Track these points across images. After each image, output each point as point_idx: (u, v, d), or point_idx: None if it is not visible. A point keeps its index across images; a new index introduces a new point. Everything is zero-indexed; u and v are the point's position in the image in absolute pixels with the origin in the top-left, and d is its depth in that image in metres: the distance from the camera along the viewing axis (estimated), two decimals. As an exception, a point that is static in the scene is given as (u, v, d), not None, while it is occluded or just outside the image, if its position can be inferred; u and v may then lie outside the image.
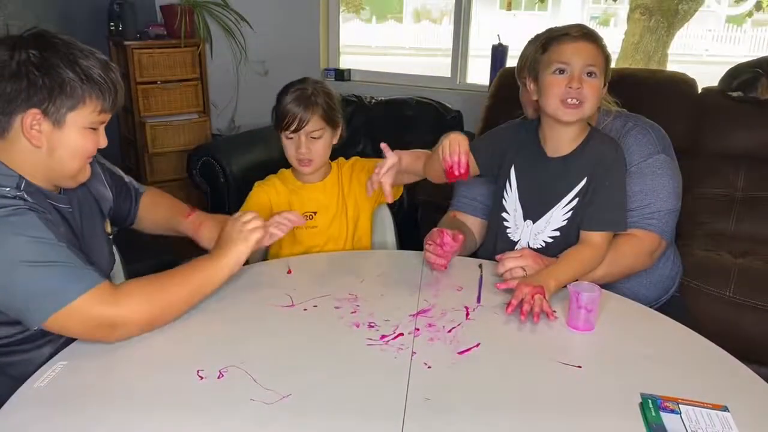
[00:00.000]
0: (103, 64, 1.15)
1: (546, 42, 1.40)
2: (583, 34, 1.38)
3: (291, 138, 1.60)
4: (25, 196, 1.10)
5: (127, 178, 1.49)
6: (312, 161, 1.62)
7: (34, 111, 1.08)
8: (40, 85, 1.07)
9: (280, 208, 1.63)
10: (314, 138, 1.59)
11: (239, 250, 1.25)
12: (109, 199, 1.40)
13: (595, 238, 1.41)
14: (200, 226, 1.48)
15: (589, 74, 1.35)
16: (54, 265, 1.06)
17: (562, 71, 1.36)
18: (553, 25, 1.48)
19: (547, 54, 1.39)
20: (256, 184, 1.73)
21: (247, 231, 1.26)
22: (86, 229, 1.28)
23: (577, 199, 1.43)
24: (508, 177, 1.52)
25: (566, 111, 1.37)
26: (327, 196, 1.68)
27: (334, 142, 1.65)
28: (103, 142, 1.21)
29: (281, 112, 1.58)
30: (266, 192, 1.69)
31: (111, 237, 1.41)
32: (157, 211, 1.53)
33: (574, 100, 1.35)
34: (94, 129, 1.17)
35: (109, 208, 1.40)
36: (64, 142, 1.13)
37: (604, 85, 1.40)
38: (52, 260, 1.06)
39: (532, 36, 1.61)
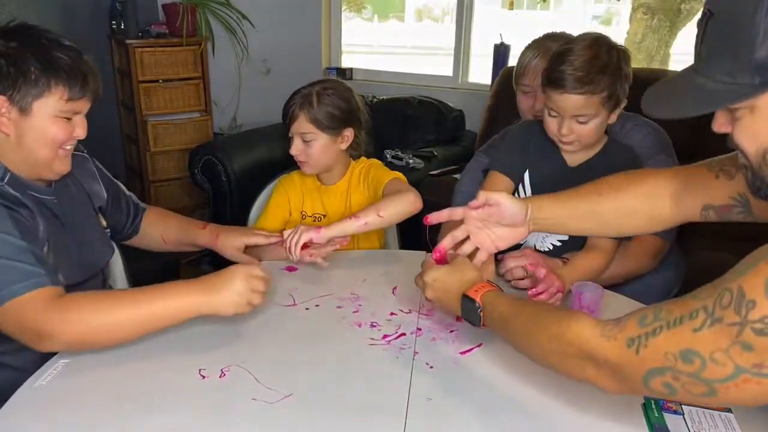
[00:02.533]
0: (73, 54, 1.17)
1: (543, 80, 1.38)
2: (574, 82, 1.30)
3: (291, 137, 1.61)
4: (7, 187, 1.12)
5: (127, 192, 1.51)
6: (306, 163, 1.61)
7: (2, 98, 1.11)
8: (5, 73, 1.10)
9: (296, 206, 1.69)
10: (306, 141, 1.58)
11: (226, 309, 1.10)
12: (103, 198, 1.40)
13: (607, 245, 1.40)
14: (218, 236, 1.48)
15: (580, 121, 1.35)
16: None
17: (554, 113, 1.37)
18: (560, 34, 1.45)
19: (545, 90, 1.38)
20: (279, 179, 1.75)
21: (250, 297, 1.11)
22: (77, 220, 1.29)
23: None
24: (522, 180, 1.51)
25: (563, 145, 1.42)
26: (337, 200, 1.68)
27: (342, 147, 1.62)
28: (80, 133, 1.22)
29: (284, 109, 1.61)
30: (286, 191, 1.71)
31: (108, 230, 1.41)
32: (168, 225, 1.54)
33: (568, 140, 1.38)
34: (67, 119, 1.18)
35: (101, 206, 1.40)
36: (31, 130, 1.14)
37: (617, 105, 1.37)
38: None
39: (531, 41, 1.59)
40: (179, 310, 1.08)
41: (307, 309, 1.29)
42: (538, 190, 1.49)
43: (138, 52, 3.38)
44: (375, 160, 1.72)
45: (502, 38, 3.19)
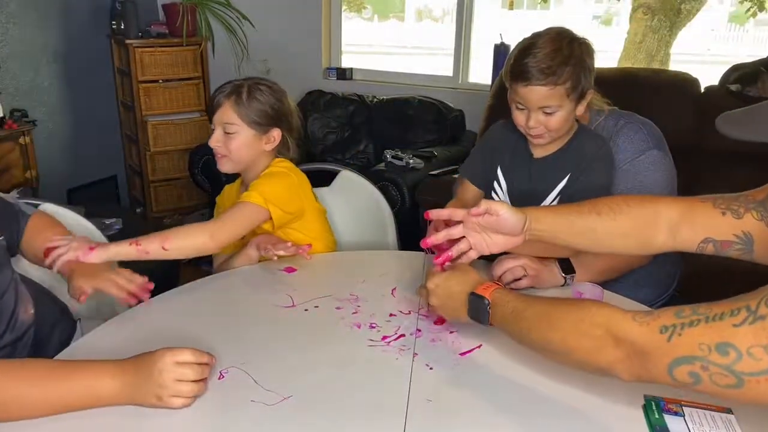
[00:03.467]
0: None
1: (508, 74, 1.40)
2: (538, 74, 1.33)
3: (213, 129, 1.54)
4: None
5: (12, 200, 1.36)
6: (225, 157, 1.53)
7: None
8: None
9: None
10: (228, 133, 1.50)
11: (146, 402, 0.95)
12: None
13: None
14: (74, 272, 1.24)
15: (546, 112, 1.37)
16: None
17: (521, 106, 1.40)
18: (543, 28, 1.46)
19: (511, 84, 1.40)
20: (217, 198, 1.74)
21: (176, 389, 0.94)
22: None
23: (559, 197, 1.46)
24: (496, 177, 1.56)
25: (532, 138, 1.45)
26: None
27: (266, 148, 1.55)
28: None
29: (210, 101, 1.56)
30: (223, 203, 1.69)
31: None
32: (36, 240, 1.33)
33: (537, 133, 1.41)
34: None
35: None
36: None
37: (582, 98, 1.39)
38: None
39: (521, 39, 1.58)
40: (91, 397, 0.94)
41: (306, 310, 1.28)
42: (509, 184, 1.54)
43: (138, 52, 3.39)
44: (278, 168, 1.56)
45: (502, 38, 3.18)
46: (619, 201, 1.15)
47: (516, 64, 1.37)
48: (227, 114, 1.50)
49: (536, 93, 1.35)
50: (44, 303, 1.33)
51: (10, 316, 1.21)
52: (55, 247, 1.25)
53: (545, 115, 1.38)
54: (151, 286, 1.23)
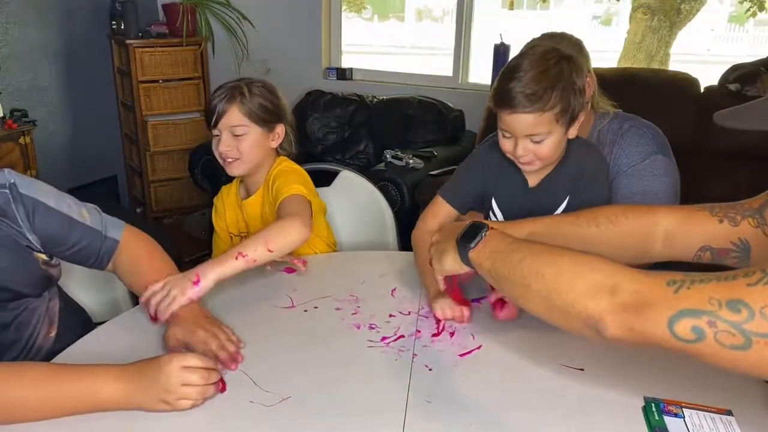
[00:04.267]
0: None
1: (492, 100, 1.31)
2: (523, 100, 1.23)
3: (216, 135, 1.51)
4: None
5: (87, 223, 1.24)
6: (237, 160, 1.50)
7: None
8: None
9: (236, 226, 1.66)
10: (237, 135, 1.48)
11: (150, 406, 0.95)
12: (28, 238, 1.14)
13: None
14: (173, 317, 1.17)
15: (534, 141, 1.28)
16: None
17: (507, 134, 1.31)
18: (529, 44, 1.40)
19: (496, 110, 1.30)
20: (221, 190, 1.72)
21: (182, 393, 0.95)
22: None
23: None
24: (491, 207, 1.48)
25: (522, 166, 1.36)
26: (256, 213, 1.61)
27: (272, 145, 1.56)
28: None
29: (207, 107, 1.51)
30: (216, 209, 1.69)
31: (46, 263, 1.20)
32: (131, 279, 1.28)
33: (525, 159, 1.32)
34: None
35: (31, 242, 1.16)
36: None
37: (574, 120, 1.30)
38: None
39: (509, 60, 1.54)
40: (92, 401, 0.94)
41: (305, 311, 1.28)
42: (506, 215, 1.45)
43: (138, 52, 3.39)
44: (285, 165, 1.57)
45: (502, 38, 3.18)
46: (618, 212, 1.13)
47: (500, 88, 1.27)
48: (235, 117, 1.48)
49: (522, 121, 1.25)
50: (68, 320, 1.30)
51: (26, 341, 1.20)
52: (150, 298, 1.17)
53: (534, 144, 1.29)
54: (241, 359, 1.10)
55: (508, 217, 1.46)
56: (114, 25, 3.55)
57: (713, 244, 1.05)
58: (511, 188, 1.43)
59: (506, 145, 1.32)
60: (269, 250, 1.26)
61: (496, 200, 1.47)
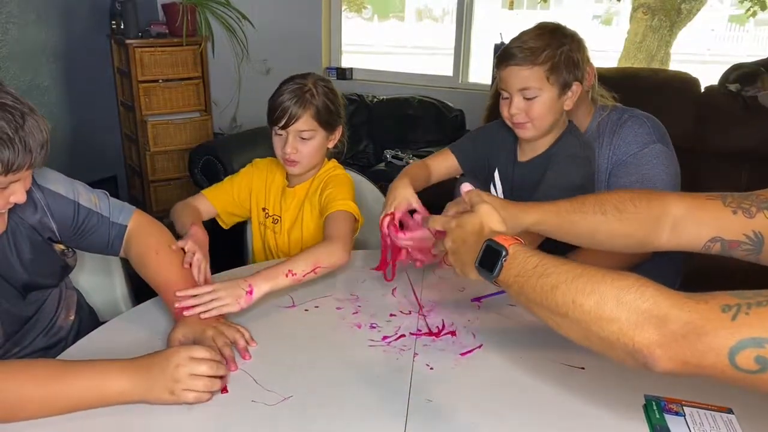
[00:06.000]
0: (14, 124, 1.02)
1: (496, 60, 1.42)
2: (518, 53, 1.34)
3: (280, 134, 1.51)
4: None
5: (96, 209, 1.26)
6: (298, 162, 1.52)
7: None
8: None
9: (257, 199, 1.65)
10: (304, 138, 1.49)
11: (158, 398, 0.95)
12: (52, 229, 1.20)
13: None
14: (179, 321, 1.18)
15: (527, 97, 1.36)
16: None
17: (506, 95, 1.39)
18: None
19: (498, 73, 1.41)
20: (254, 161, 1.69)
21: (190, 384, 0.95)
22: (24, 255, 1.15)
23: None
24: (493, 180, 1.55)
25: (518, 130, 1.42)
26: (294, 205, 1.61)
27: (330, 145, 1.57)
28: (18, 198, 1.05)
29: (274, 104, 1.49)
30: (251, 177, 1.65)
31: (64, 252, 1.23)
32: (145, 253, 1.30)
33: (519, 120, 1.38)
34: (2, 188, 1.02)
35: (54, 233, 1.20)
36: None
37: (566, 88, 1.36)
38: None
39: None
40: (98, 395, 0.94)
41: (306, 310, 1.28)
42: (504, 184, 1.54)
43: (138, 51, 3.38)
44: (340, 172, 1.60)
45: (502, 38, 3.18)
46: (626, 200, 1.08)
47: (502, 50, 1.39)
48: (306, 122, 1.48)
49: (515, 73, 1.35)
50: (83, 308, 1.36)
51: (48, 320, 1.22)
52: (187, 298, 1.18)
53: (526, 101, 1.36)
54: (249, 358, 1.11)
55: (505, 189, 1.54)
56: (114, 24, 3.54)
57: (725, 235, 1.00)
58: (508, 161, 1.53)
59: (504, 108, 1.41)
60: (314, 272, 1.30)
61: (499, 171, 1.55)
